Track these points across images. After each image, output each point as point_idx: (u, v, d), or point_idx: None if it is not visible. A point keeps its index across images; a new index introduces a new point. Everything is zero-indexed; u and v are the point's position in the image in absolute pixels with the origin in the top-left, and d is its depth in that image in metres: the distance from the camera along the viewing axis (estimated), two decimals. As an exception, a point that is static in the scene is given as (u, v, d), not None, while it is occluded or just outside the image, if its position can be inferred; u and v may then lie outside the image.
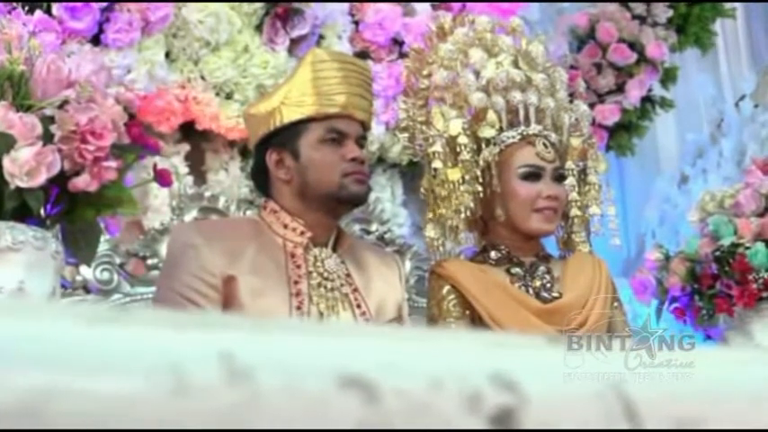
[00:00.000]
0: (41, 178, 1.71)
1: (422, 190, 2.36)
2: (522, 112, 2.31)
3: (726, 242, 2.58)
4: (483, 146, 2.30)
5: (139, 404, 0.54)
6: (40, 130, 1.73)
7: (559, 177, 2.31)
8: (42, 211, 1.81)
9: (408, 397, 0.60)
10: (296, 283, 2.06)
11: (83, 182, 1.75)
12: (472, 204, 2.26)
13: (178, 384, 0.55)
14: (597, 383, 0.66)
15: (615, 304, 2.33)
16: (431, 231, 2.30)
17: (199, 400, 0.56)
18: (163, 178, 1.99)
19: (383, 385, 0.59)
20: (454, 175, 2.25)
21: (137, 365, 0.56)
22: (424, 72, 2.39)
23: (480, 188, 2.28)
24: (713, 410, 0.70)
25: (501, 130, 2.30)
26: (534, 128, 2.31)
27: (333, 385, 0.58)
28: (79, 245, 1.87)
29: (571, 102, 2.45)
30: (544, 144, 2.30)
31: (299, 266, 2.08)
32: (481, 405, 0.61)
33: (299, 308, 2.04)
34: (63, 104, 1.78)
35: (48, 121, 1.76)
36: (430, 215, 2.31)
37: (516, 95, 2.31)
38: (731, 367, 0.76)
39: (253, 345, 0.61)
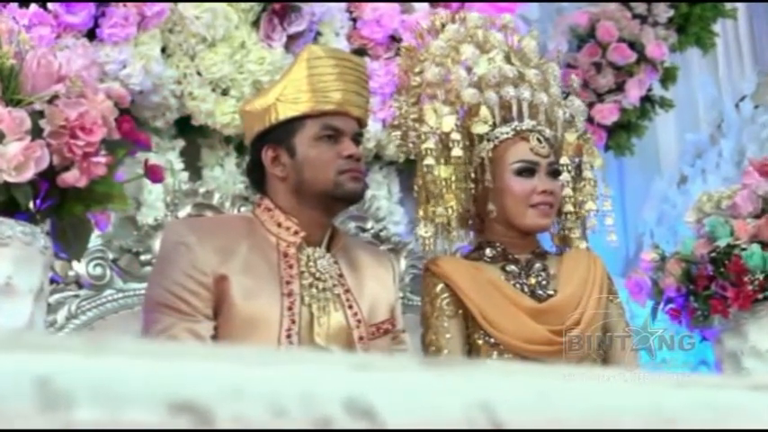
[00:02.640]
0: (29, 173, 1.70)
1: (415, 188, 2.35)
2: (515, 108, 2.31)
3: (722, 243, 2.56)
4: (476, 142, 2.29)
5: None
6: (28, 124, 1.72)
7: (554, 172, 2.31)
8: (32, 206, 1.81)
9: (247, 424, 0.57)
10: (288, 283, 2.06)
11: (72, 177, 1.74)
12: (464, 201, 2.26)
13: None
14: (468, 407, 0.62)
15: (611, 297, 2.32)
16: (422, 230, 2.30)
17: (7, 429, 0.51)
18: (154, 174, 1.98)
19: (219, 412, 0.56)
20: (446, 172, 2.25)
21: None
22: (416, 69, 2.39)
23: (473, 185, 2.27)
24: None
25: (494, 126, 2.30)
26: (528, 123, 2.31)
27: (162, 412, 0.54)
28: (69, 240, 1.86)
29: (566, 98, 2.44)
30: (538, 139, 2.30)
31: (291, 266, 2.07)
32: None
33: (290, 308, 2.03)
34: (53, 99, 1.78)
35: (37, 115, 1.76)
36: (421, 213, 2.31)
37: (509, 91, 2.31)
38: (622, 389, 0.72)
39: (74, 369, 0.56)
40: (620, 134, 3.82)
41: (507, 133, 2.29)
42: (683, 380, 0.71)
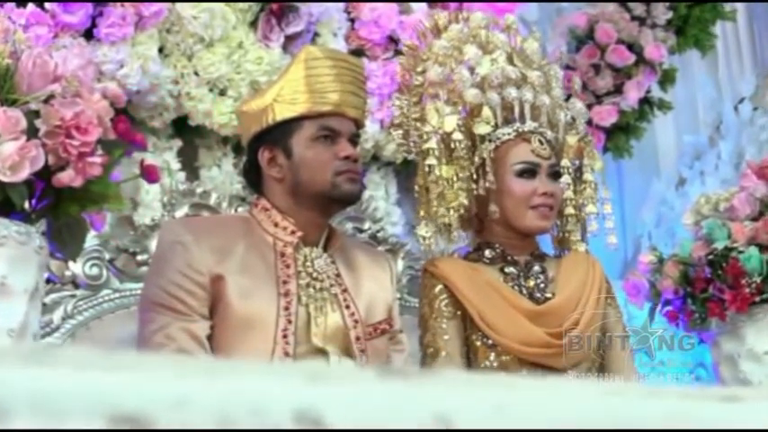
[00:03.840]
0: (25, 173, 1.70)
1: (416, 187, 2.35)
2: (517, 109, 2.31)
3: (719, 246, 2.56)
4: (478, 143, 2.29)
5: None
6: (24, 124, 1.72)
7: (555, 174, 2.31)
8: (27, 206, 1.81)
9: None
10: (284, 282, 2.06)
11: (67, 177, 1.74)
12: (466, 201, 2.25)
13: None
14: (424, 418, 0.61)
15: (609, 301, 2.32)
16: (423, 230, 2.29)
17: None
18: (150, 174, 1.98)
19: (163, 423, 0.54)
20: (448, 172, 2.25)
21: None
22: (419, 69, 2.39)
23: (475, 185, 2.27)
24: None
25: (496, 126, 2.29)
26: (530, 125, 2.30)
27: (103, 424, 0.53)
28: (64, 240, 1.86)
29: (567, 100, 2.44)
30: (540, 141, 2.29)
31: (288, 266, 2.07)
32: None
33: (286, 308, 2.03)
34: (49, 99, 1.77)
35: (33, 115, 1.76)
36: (422, 213, 2.30)
37: (511, 92, 2.31)
38: (583, 401, 0.70)
39: (12, 380, 0.54)
40: (619, 136, 3.81)
41: (509, 134, 2.29)
42: (648, 391, 0.69)
